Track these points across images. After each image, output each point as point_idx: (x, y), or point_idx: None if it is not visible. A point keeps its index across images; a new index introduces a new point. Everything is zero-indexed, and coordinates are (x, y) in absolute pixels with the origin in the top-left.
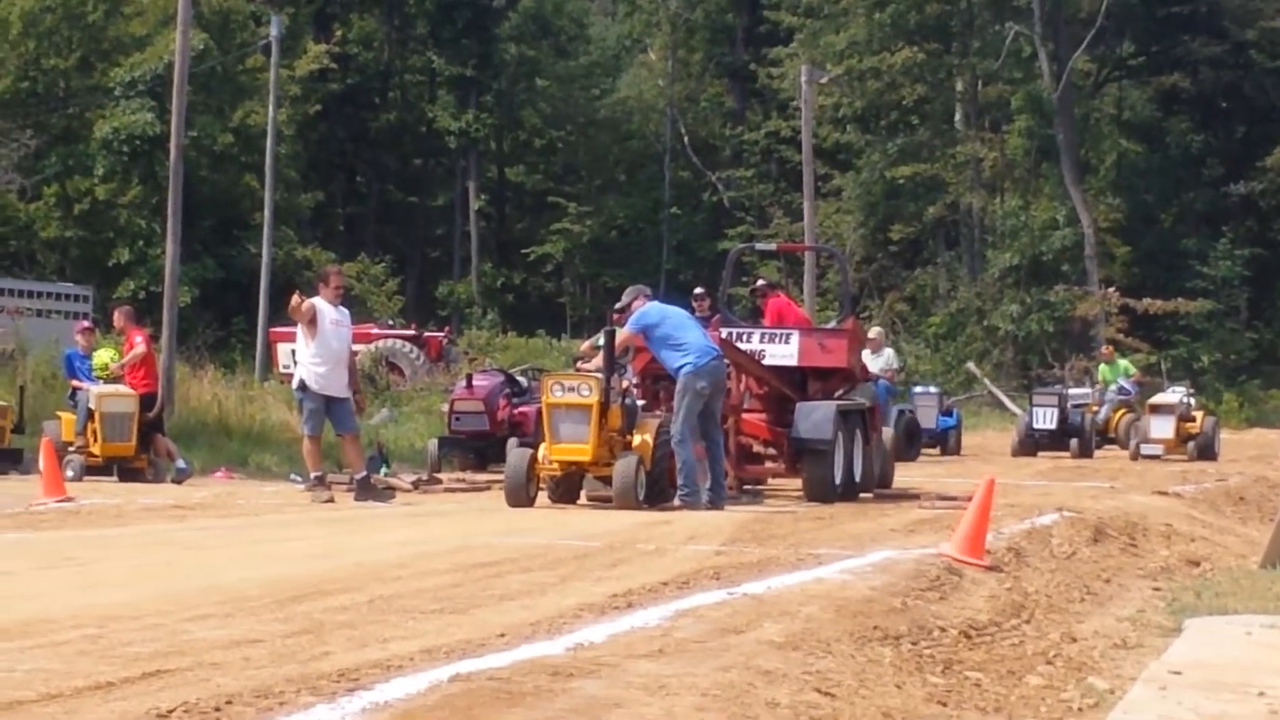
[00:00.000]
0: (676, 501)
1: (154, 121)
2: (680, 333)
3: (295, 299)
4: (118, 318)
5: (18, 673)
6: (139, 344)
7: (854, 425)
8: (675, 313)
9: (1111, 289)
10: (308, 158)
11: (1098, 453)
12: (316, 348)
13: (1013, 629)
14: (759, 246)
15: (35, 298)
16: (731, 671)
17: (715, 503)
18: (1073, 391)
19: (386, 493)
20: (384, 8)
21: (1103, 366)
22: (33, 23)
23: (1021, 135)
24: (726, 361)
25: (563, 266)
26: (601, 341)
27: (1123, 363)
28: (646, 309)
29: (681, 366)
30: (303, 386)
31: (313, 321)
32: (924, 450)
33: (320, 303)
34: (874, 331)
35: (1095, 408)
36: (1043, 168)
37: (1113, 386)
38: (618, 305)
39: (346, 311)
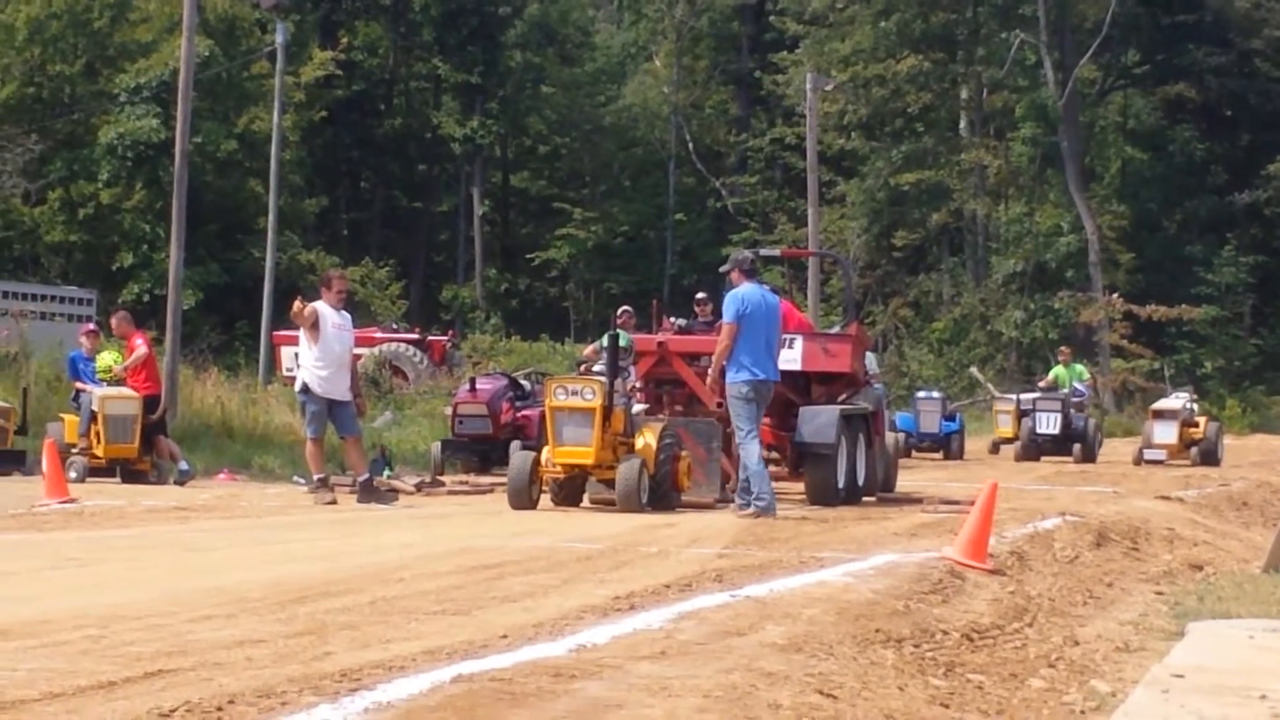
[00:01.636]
0: (744, 507)
1: (159, 127)
2: (748, 340)
3: (297, 305)
4: (116, 322)
5: (20, 672)
6: (140, 347)
7: (857, 429)
8: (758, 312)
9: (1115, 295)
10: (312, 163)
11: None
12: (319, 351)
13: (1015, 632)
14: (763, 252)
15: (39, 300)
16: (734, 673)
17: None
18: (1024, 396)
19: (389, 495)
20: (389, 15)
21: (1058, 369)
22: (38, 29)
23: (1026, 143)
24: (775, 381)
25: (567, 272)
26: (605, 344)
27: (1079, 367)
28: (744, 295)
29: (735, 372)
30: (305, 389)
31: (315, 325)
32: (927, 455)
33: (323, 307)
34: None
35: None
36: (1047, 175)
37: (1065, 389)
38: (722, 268)
39: (349, 315)
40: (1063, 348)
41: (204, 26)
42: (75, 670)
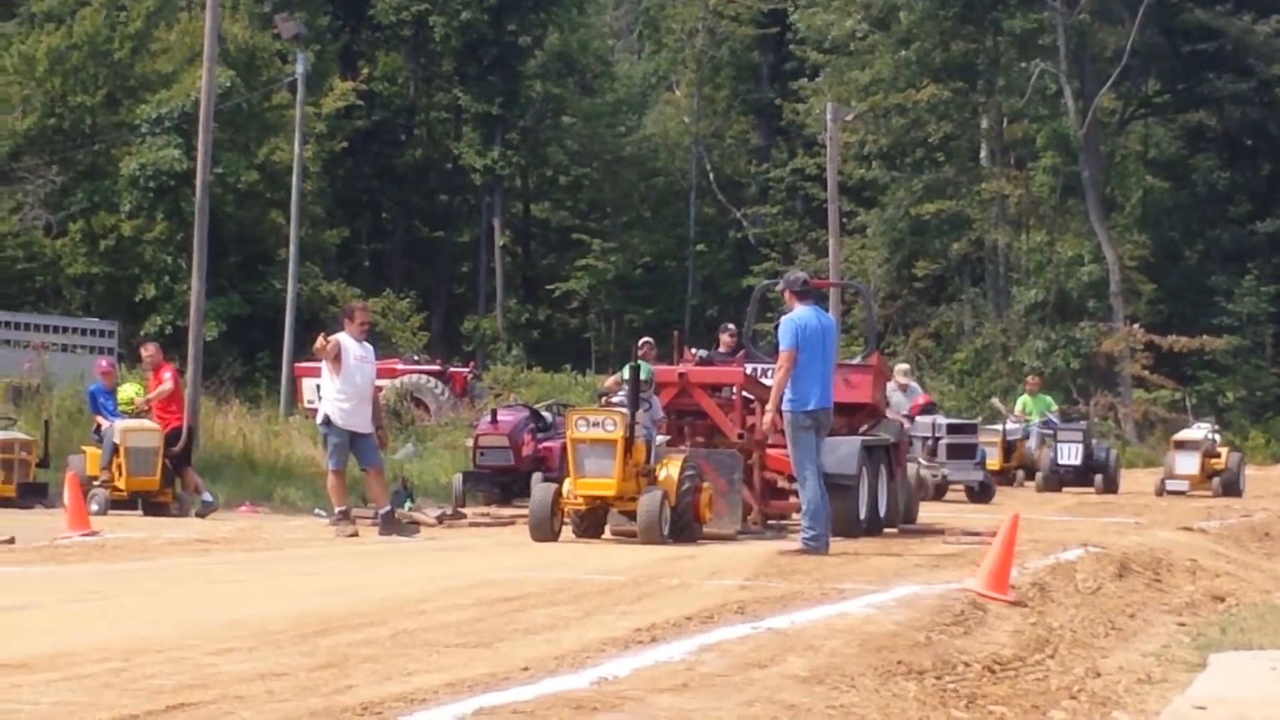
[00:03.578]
0: (799, 544)
1: (180, 158)
2: (807, 367)
3: (320, 340)
4: (146, 354)
5: (43, 705)
6: (167, 379)
7: (879, 460)
8: (815, 337)
9: (1136, 325)
10: (333, 194)
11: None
12: (341, 383)
13: (1037, 664)
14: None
15: (61, 333)
16: (756, 706)
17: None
18: (1010, 426)
19: (410, 527)
20: (410, 45)
21: (1025, 398)
22: (59, 60)
23: (1047, 172)
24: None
25: (588, 302)
26: (626, 376)
27: (1046, 398)
28: (803, 321)
29: (791, 400)
30: (327, 421)
31: (337, 357)
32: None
33: (345, 338)
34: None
35: (1024, 442)
36: (1068, 204)
37: (1036, 419)
38: (779, 286)
39: (371, 347)
40: (1030, 377)
41: (224, 57)
42: (97, 703)
